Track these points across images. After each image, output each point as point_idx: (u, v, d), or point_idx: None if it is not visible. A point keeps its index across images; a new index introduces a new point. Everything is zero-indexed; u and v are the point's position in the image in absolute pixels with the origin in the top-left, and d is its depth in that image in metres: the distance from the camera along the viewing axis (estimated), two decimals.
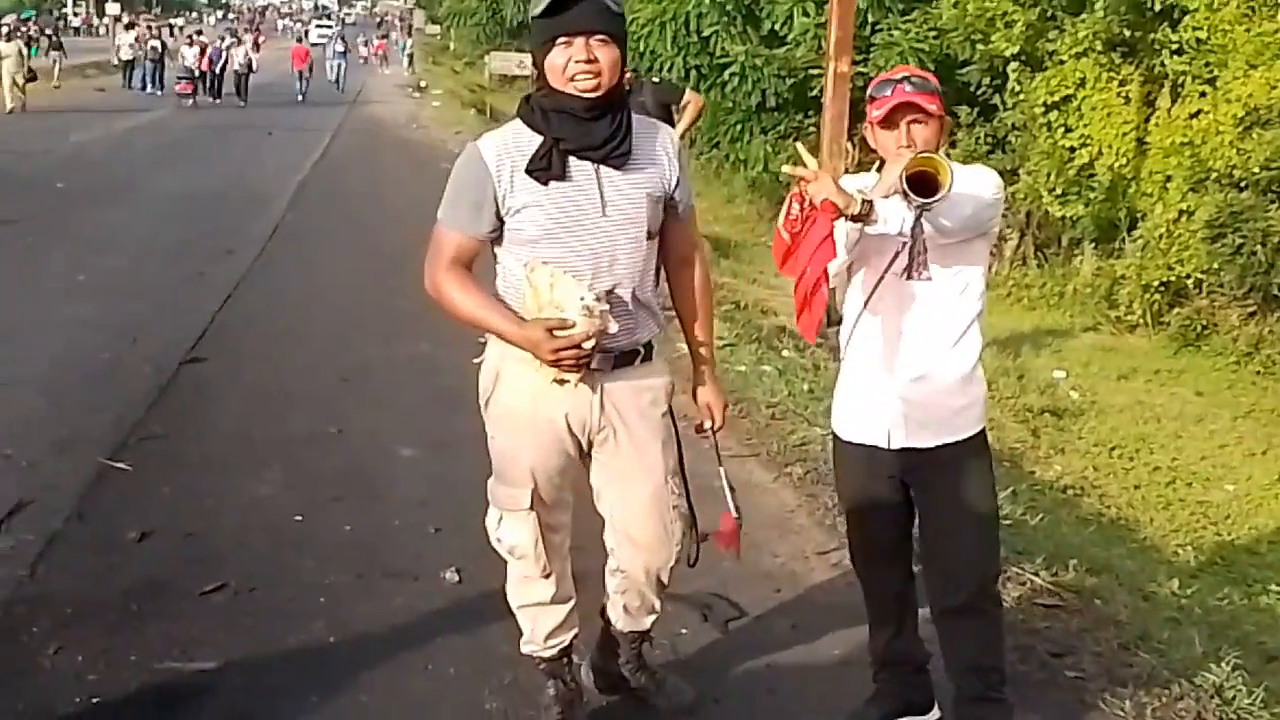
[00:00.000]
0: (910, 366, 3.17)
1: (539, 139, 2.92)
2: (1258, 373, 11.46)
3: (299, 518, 4.95)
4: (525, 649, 3.38)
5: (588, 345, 2.86)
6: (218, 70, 32.61)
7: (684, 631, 4.12)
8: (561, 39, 2.85)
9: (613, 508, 3.24)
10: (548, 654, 3.36)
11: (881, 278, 3.14)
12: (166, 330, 7.93)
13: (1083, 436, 9.21)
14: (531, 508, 3.12)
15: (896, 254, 3.05)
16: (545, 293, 2.90)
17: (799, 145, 3.19)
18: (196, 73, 31.49)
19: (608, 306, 2.90)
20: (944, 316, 3.16)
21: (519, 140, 2.95)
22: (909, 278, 3.06)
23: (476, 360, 3.18)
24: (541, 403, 3.03)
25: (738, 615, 4.26)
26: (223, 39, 36.68)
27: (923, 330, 3.15)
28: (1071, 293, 13.76)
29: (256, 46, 51.12)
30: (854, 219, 2.88)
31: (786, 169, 2.96)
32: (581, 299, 2.85)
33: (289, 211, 13.68)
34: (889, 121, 3.08)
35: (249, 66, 32.60)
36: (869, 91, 3.14)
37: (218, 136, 22.74)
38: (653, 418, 3.17)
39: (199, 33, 39.12)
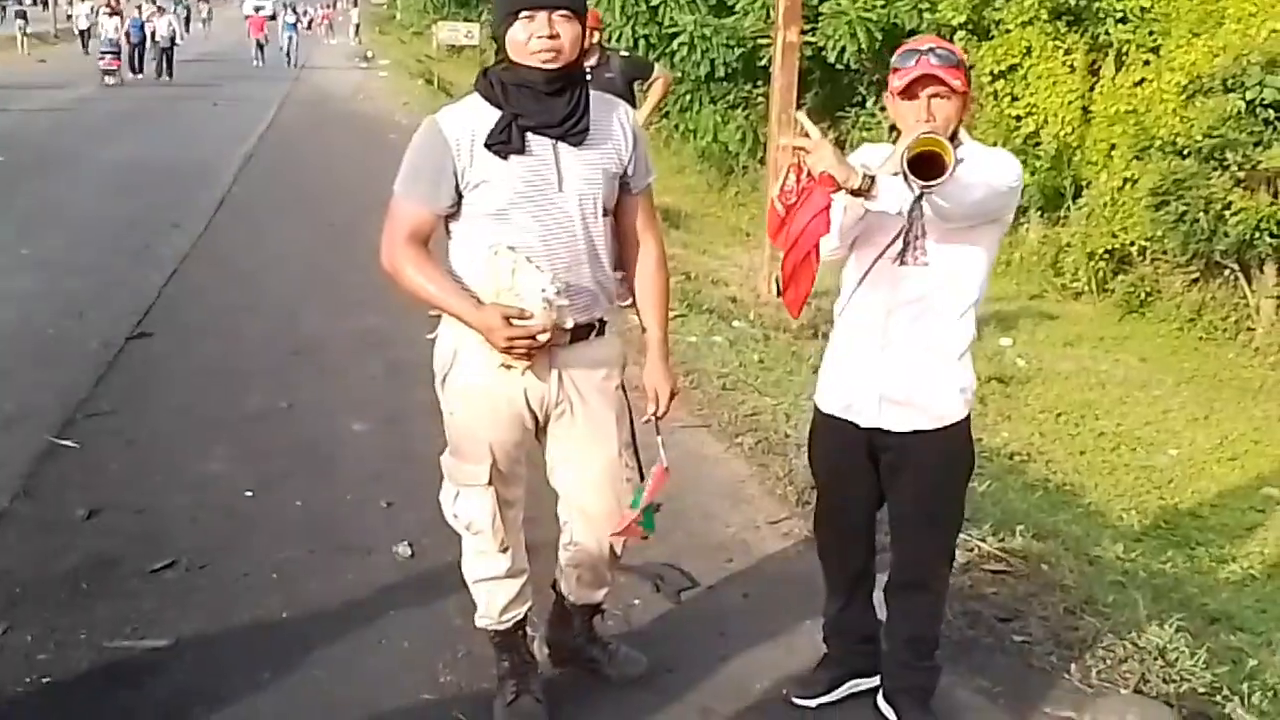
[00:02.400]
0: (894, 349, 3.12)
1: (497, 114, 2.91)
2: (1200, 339, 11.64)
3: (249, 493, 4.93)
4: (480, 623, 3.38)
5: (542, 338, 2.87)
6: (136, 44, 30.25)
7: (637, 602, 4.15)
8: (524, 13, 2.84)
9: (567, 482, 3.26)
10: (502, 627, 3.37)
11: (880, 256, 3.09)
12: (113, 305, 7.86)
13: (1029, 403, 9.32)
14: (490, 483, 3.13)
15: (897, 235, 3.03)
16: (506, 278, 2.88)
17: (801, 115, 3.07)
18: (121, 47, 28.92)
19: (567, 302, 2.90)
20: (937, 302, 3.09)
21: (478, 115, 2.94)
22: (901, 262, 3.05)
23: (430, 335, 3.17)
24: (500, 379, 3.03)
25: (690, 585, 4.30)
26: (139, 8, 33.65)
27: (912, 315, 3.10)
28: (1018, 261, 13.88)
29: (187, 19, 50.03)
30: (854, 193, 2.81)
31: (785, 140, 2.93)
32: (543, 291, 2.84)
33: (235, 184, 13.55)
34: (909, 93, 2.97)
35: (172, 39, 30.76)
36: (892, 60, 3.05)
37: (162, 108, 22.42)
38: (607, 391, 3.19)
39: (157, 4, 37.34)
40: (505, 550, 3.24)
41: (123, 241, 10.01)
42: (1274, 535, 7.25)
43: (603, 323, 3.15)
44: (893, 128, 11.95)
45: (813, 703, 3.51)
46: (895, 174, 2.75)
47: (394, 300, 7.53)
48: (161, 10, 33.51)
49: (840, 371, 3.25)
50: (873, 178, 2.79)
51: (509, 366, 2.96)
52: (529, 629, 3.49)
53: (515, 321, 2.85)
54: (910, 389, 3.13)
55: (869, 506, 3.37)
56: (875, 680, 3.54)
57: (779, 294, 9.47)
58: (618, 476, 3.23)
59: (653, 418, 3.27)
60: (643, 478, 3.31)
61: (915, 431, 3.15)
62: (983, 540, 4.73)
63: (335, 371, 6.75)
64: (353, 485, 5.07)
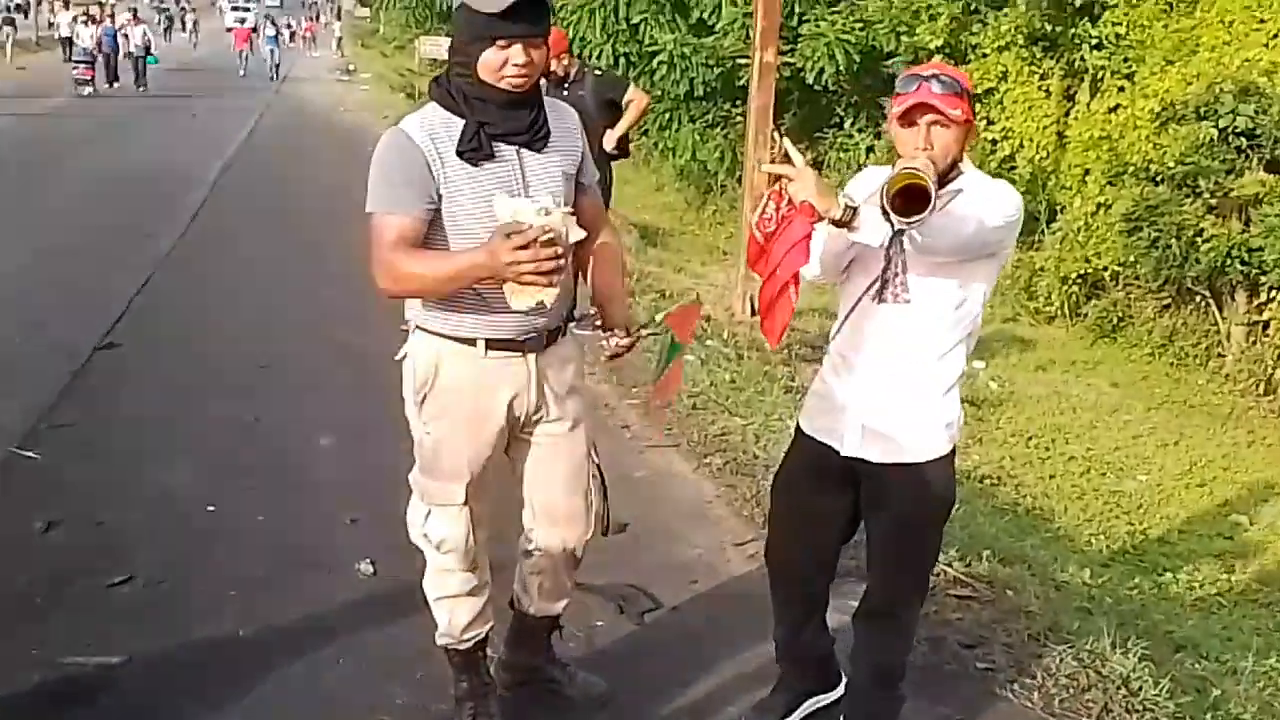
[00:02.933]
0: (878, 383, 3.07)
1: (460, 121, 2.93)
2: (1171, 364, 11.68)
3: (211, 508, 4.88)
4: (440, 641, 3.35)
5: (547, 251, 2.72)
6: (109, 53, 29.25)
7: (600, 624, 4.12)
8: (501, 40, 2.86)
9: (537, 482, 3.25)
10: (464, 646, 3.34)
11: (867, 289, 3.04)
12: (81, 315, 7.79)
13: (1000, 426, 9.32)
14: (465, 502, 3.12)
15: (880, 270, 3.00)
16: (508, 222, 2.82)
17: (786, 141, 2.98)
18: (96, 56, 28.12)
19: (571, 209, 2.90)
20: (922, 339, 3.02)
21: (443, 122, 2.95)
22: (880, 300, 3.01)
23: (399, 357, 3.14)
24: (483, 391, 3.05)
25: (654, 607, 4.27)
26: (112, 16, 33.09)
27: (897, 350, 3.03)
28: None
29: (183, 26, 49.90)
30: (835, 224, 2.76)
31: (767, 167, 2.89)
32: (536, 204, 2.81)
33: (211, 195, 13.48)
34: (907, 119, 2.91)
35: (146, 49, 29.99)
36: (896, 84, 2.99)
37: (140, 118, 22.30)
38: (577, 390, 3.24)
39: (134, 12, 37.11)
40: (473, 569, 3.22)
41: (94, 251, 9.94)
42: (1241, 563, 7.27)
43: (566, 324, 3.19)
44: (870, 149, 12.00)
45: None
46: (879, 207, 2.69)
47: (365, 314, 7.52)
48: (138, 19, 32.75)
49: (826, 397, 3.20)
50: (855, 209, 2.74)
51: (540, 304, 2.79)
52: (489, 650, 3.46)
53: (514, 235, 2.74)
54: (893, 423, 3.08)
55: (837, 533, 3.32)
56: (834, 694, 3.52)
57: (754, 313, 9.50)
58: (585, 476, 3.27)
59: (620, 348, 3.22)
60: (604, 482, 3.33)
61: (894, 464, 3.10)
62: (949, 565, 4.72)
63: (304, 385, 6.71)
64: (317, 501, 5.02)
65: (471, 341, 3.03)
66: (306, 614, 4.05)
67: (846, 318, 3.12)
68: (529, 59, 2.88)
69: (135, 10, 37.66)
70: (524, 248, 2.69)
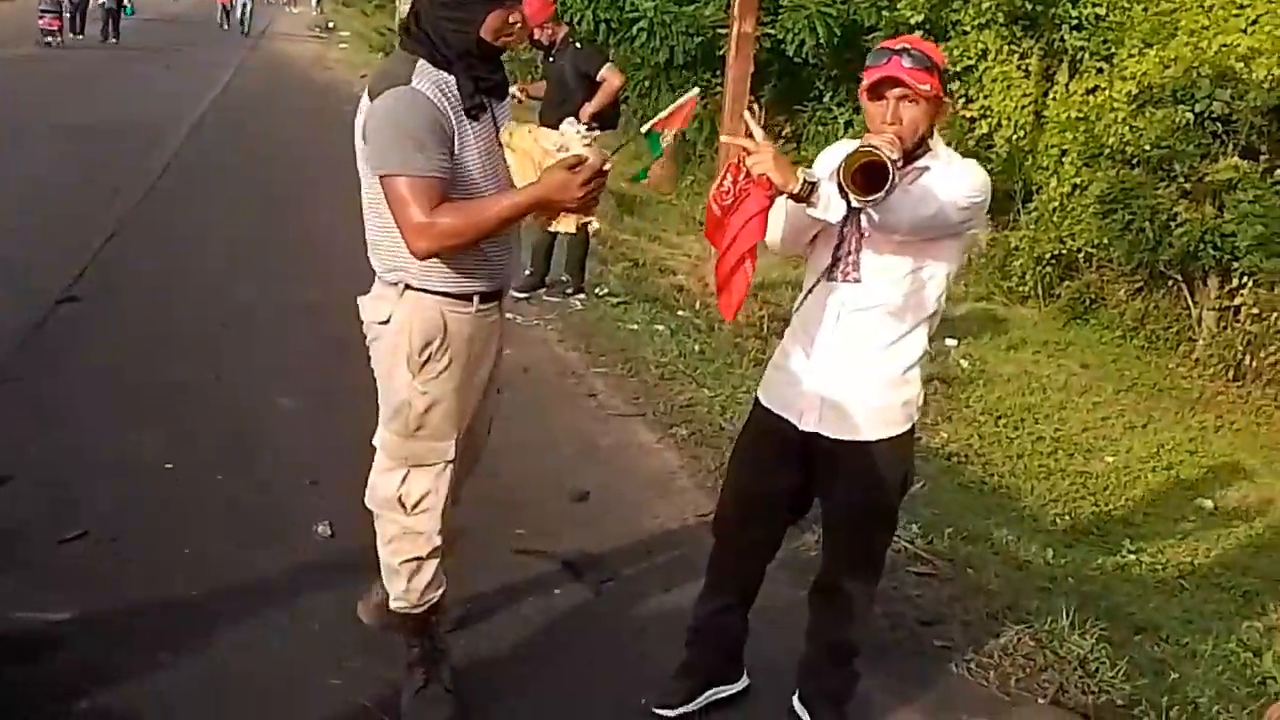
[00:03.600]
0: (837, 357, 3.04)
1: (450, 78, 2.96)
2: (1142, 347, 11.72)
3: (169, 465, 4.81)
4: (396, 605, 3.31)
5: (600, 179, 2.93)
6: (77, 3, 27.28)
7: (557, 592, 4.10)
8: (508, 3, 2.95)
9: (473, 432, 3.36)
10: (419, 611, 3.30)
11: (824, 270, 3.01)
12: (43, 269, 7.64)
13: (970, 405, 9.32)
14: (453, 459, 3.18)
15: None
16: (534, 148, 2.97)
17: (747, 115, 3.04)
18: (63, 4, 26.03)
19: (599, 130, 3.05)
20: (883, 314, 3.00)
21: (443, 80, 2.96)
22: (829, 279, 2.99)
23: (381, 320, 3.10)
24: (477, 345, 3.15)
25: (611, 577, 4.24)
26: None
27: (857, 324, 3.01)
28: (967, 263, 13.91)
29: None
30: (793, 198, 2.73)
31: (725, 137, 2.86)
32: (579, 133, 2.95)
33: (181, 150, 13.28)
34: (876, 93, 2.88)
35: (119, 1, 28.52)
36: (867, 58, 2.97)
37: (112, 70, 21.99)
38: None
39: None
40: (440, 530, 3.21)
41: (60, 205, 9.76)
42: (1204, 546, 7.30)
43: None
44: (849, 124, 11.95)
45: (672, 713, 3.42)
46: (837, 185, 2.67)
47: (334, 272, 7.44)
48: None
49: (785, 371, 3.16)
50: (814, 184, 2.70)
51: (589, 225, 3.01)
52: (440, 615, 3.42)
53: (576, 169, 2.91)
54: (850, 398, 3.05)
55: (790, 511, 3.30)
56: (737, 687, 3.49)
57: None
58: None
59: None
60: None
61: (851, 440, 3.07)
62: (910, 542, 4.71)
63: (268, 344, 6.61)
64: (276, 462, 4.96)
65: (468, 297, 3.08)
66: (261, 575, 3.99)
67: (809, 292, 3.09)
68: (521, 19, 3.01)
69: None
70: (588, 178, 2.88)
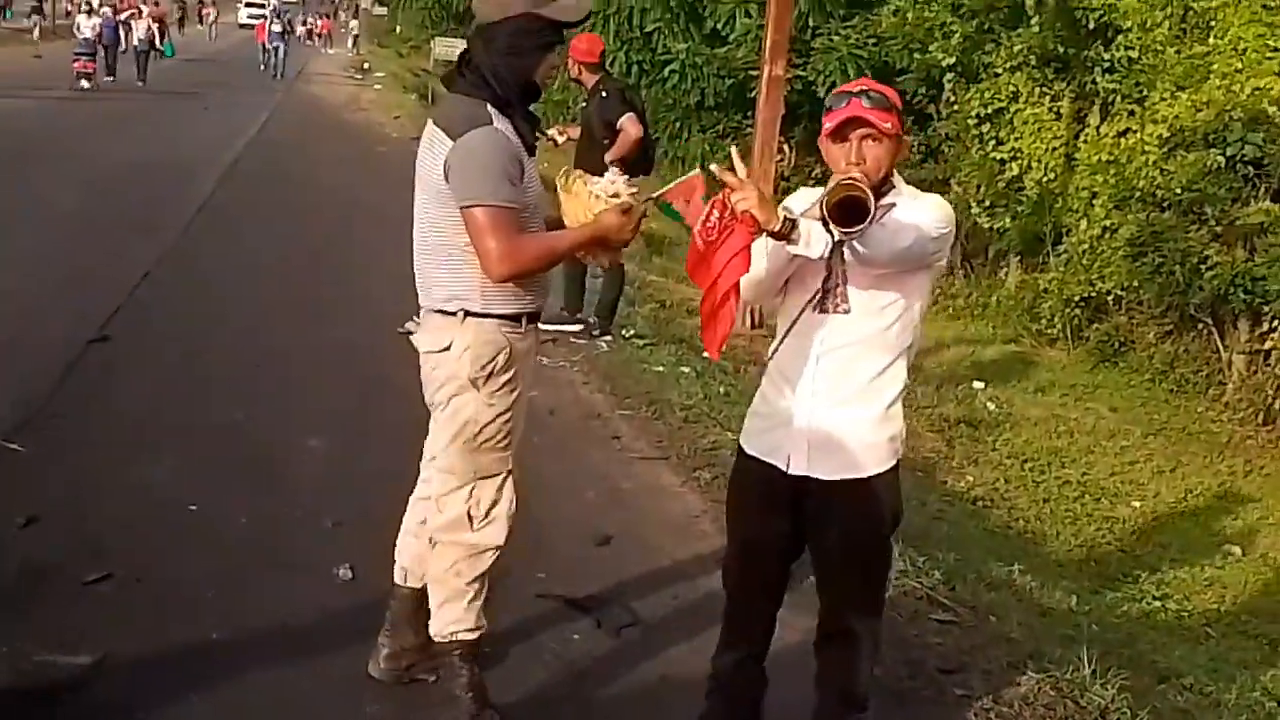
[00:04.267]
0: (821, 397, 3.06)
1: (505, 118, 3.23)
2: (1171, 391, 11.64)
3: (193, 507, 4.85)
4: (450, 631, 3.41)
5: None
6: (108, 45, 27.76)
7: (576, 637, 4.10)
8: (559, 45, 3.32)
9: None
10: (475, 635, 3.42)
11: (808, 303, 3.05)
12: (80, 307, 7.76)
13: (996, 448, 9.29)
14: (512, 469, 3.42)
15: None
16: (583, 191, 3.34)
17: (733, 149, 3.10)
18: (97, 48, 26.52)
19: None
20: (864, 349, 3.04)
21: (505, 120, 3.23)
22: (820, 310, 3.03)
23: (441, 348, 3.30)
24: (528, 360, 3.43)
25: (632, 622, 4.24)
26: (116, 9, 31.34)
27: (840, 362, 3.04)
28: (995, 304, 13.92)
29: (200, 19, 49.93)
30: (774, 236, 2.79)
31: (714, 168, 2.93)
32: (626, 181, 3.40)
33: (218, 189, 13.47)
34: (839, 135, 2.96)
35: (151, 42, 28.99)
36: (825, 101, 3.06)
37: (150, 109, 22.32)
38: None
39: (157, 3, 36.45)
40: (504, 544, 3.40)
41: (96, 243, 9.93)
42: (1232, 592, 7.25)
43: None
44: None
45: None
46: (818, 219, 2.75)
47: (365, 314, 7.53)
48: (140, 12, 31.56)
49: (769, 416, 3.19)
50: (794, 221, 2.78)
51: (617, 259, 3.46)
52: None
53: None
54: (838, 437, 3.08)
55: (785, 556, 3.30)
56: None
57: (754, 325, 9.48)
58: None
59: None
60: None
61: (842, 480, 3.09)
62: (933, 589, 4.70)
63: (297, 384, 6.68)
64: (300, 503, 5.00)
65: (519, 318, 3.33)
66: (282, 618, 4.03)
67: (787, 334, 3.14)
68: (560, 63, 3.45)
69: (158, 1, 37.40)
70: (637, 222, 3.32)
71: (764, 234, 2.82)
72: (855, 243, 2.77)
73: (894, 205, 2.95)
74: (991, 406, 10.23)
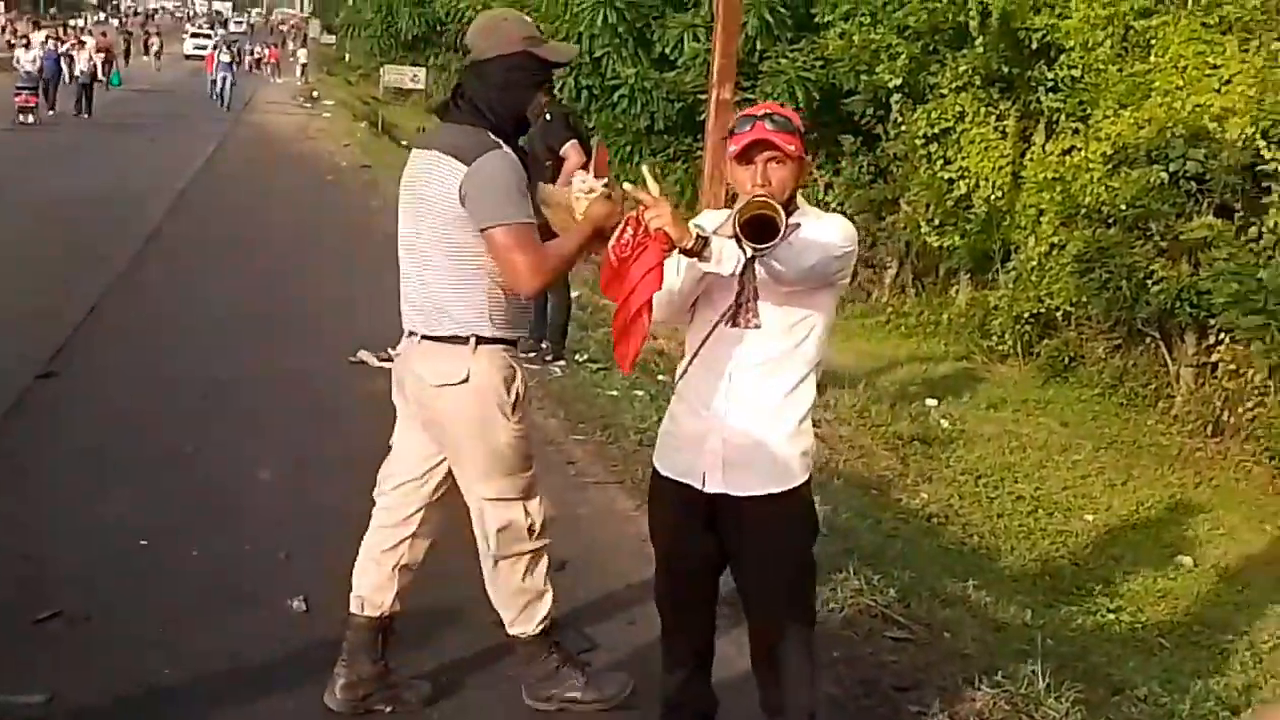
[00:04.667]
0: (735, 414, 3.09)
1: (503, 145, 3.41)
2: (1121, 404, 11.78)
3: (144, 542, 4.80)
4: (537, 627, 3.71)
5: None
6: (49, 78, 26.96)
7: None
8: (545, 85, 3.53)
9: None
10: (550, 623, 3.75)
11: (719, 320, 3.09)
12: (23, 342, 7.68)
13: (950, 465, 9.36)
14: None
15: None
16: (563, 199, 3.57)
17: (644, 168, 3.16)
18: (39, 81, 25.72)
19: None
20: (775, 366, 3.08)
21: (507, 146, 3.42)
22: (733, 325, 3.06)
23: (457, 382, 3.41)
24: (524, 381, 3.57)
25: (589, 648, 4.23)
26: (58, 41, 30.98)
27: (753, 378, 3.08)
28: (947, 322, 14.04)
29: (146, 49, 49.54)
30: (686, 253, 2.84)
31: (628, 187, 2.97)
32: (589, 179, 3.58)
33: (165, 221, 13.38)
34: (745, 158, 3.02)
35: (93, 75, 28.36)
36: (730, 125, 3.12)
37: (96, 141, 22.12)
38: None
39: (104, 34, 36.11)
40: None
41: (41, 277, 9.82)
42: (1184, 603, 7.32)
43: None
44: (829, 186, 12.07)
45: None
46: (730, 237, 2.81)
47: (317, 342, 7.47)
48: (82, 44, 31.15)
49: (683, 435, 3.21)
50: (705, 239, 2.83)
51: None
52: None
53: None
54: (752, 453, 3.10)
55: (709, 572, 3.31)
56: None
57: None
58: None
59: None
60: None
61: (757, 496, 3.11)
62: (887, 607, 4.71)
63: (247, 415, 6.62)
64: (252, 535, 4.95)
65: (515, 342, 3.56)
66: (236, 652, 3.98)
67: (696, 353, 3.16)
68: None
69: (105, 33, 36.92)
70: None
71: (677, 251, 2.87)
72: (771, 259, 2.82)
73: (799, 225, 3.00)
74: (944, 423, 10.30)
